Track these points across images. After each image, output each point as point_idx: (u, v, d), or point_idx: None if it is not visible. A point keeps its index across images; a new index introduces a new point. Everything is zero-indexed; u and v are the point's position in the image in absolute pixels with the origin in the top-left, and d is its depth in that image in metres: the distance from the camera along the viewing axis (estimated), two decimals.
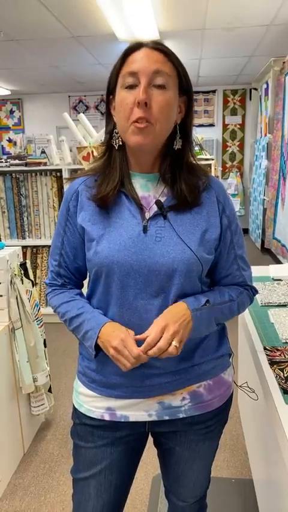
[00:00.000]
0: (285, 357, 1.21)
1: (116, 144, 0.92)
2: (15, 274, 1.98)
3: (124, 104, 0.85)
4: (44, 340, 2.18)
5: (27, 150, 5.57)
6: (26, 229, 3.72)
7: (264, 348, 1.27)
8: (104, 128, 0.97)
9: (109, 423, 0.97)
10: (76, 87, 6.77)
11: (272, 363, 1.18)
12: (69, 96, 7.40)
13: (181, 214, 0.91)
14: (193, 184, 0.92)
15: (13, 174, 3.61)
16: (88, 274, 0.99)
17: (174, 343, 0.82)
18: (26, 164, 3.58)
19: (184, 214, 0.91)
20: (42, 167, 3.56)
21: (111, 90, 0.91)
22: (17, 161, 3.65)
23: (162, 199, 0.91)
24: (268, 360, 1.20)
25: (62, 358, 3.02)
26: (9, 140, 7.69)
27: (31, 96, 7.45)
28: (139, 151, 0.90)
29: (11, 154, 5.86)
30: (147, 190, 0.93)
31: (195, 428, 1.00)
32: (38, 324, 2.11)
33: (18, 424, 2.03)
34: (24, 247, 3.62)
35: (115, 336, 0.85)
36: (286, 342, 1.31)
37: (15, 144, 7.48)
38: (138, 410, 0.95)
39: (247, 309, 1.58)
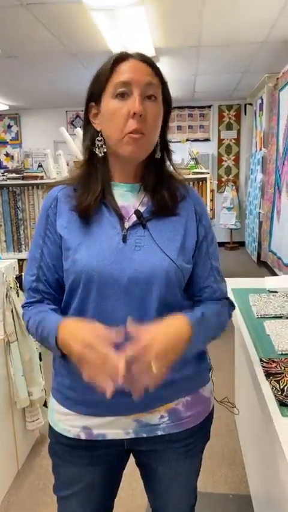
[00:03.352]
0: (281, 368, 1.20)
1: (101, 153, 0.91)
2: (10, 287, 1.97)
3: (117, 115, 0.85)
4: (40, 353, 2.17)
5: (25, 164, 5.60)
6: (23, 242, 3.73)
7: (260, 360, 1.26)
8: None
9: (86, 442, 0.94)
10: (73, 103, 6.85)
11: (268, 375, 1.17)
12: (66, 111, 7.49)
13: (160, 224, 0.91)
14: (173, 193, 0.93)
15: (10, 188, 3.63)
16: (65, 288, 0.93)
17: (153, 368, 0.75)
18: (23, 178, 3.61)
19: (164, 223, 0.91)
20: (39, 181, 3.58)
21: (94, 98, 0.90)
22: (14, 175, 3.68)
23: (142, 209, 0.91)
24: (264, 372, 1.19)
25: None
26: (7, 154, 7.74)
27: (29, 111, 7.53)
28: (130, 161, 0.90)
29: (8, 168, 5.89)
30: (127, 200, 0.93)
31: (175, 447, 0.97)
32: (33, 338, 2.09)
33: (13, 439, 2.00)
34: (20, 260, 3.60)
35: (77, 340, 0.77)
36: (282, 354, 1.30)
37: (12, 158, 7.53)
38: (115, 429, 0.92)
39: (243, 321, 1.58)
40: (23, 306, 0.97)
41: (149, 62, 0.88)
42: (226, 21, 3.63)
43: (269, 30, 3.85)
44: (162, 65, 4.75)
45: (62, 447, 0.97)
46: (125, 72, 0.85)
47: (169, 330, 0.81)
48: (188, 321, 0.84)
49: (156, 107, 0.87)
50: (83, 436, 0.94)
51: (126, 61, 0.86)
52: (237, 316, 1.62)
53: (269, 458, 1.24)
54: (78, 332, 0.79)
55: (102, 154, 0.91)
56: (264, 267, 5.66)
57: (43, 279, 0.93)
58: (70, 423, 0.94)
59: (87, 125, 0.94)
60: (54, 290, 0.94)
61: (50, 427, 1.00)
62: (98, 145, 0.91)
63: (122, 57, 0.87)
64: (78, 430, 0.94)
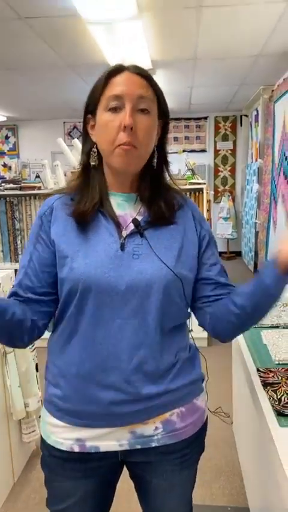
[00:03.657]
0: (278, 378, 1.20)
1: (94, 162, 0.92)
2: None
3: (109, 127, 0.86)
4: (36, 364, 2.15)
5: (22, 175, 5.64)
6: (20, 253, 3.73)
7: (258, 370, 1.26)
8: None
9: (79, 455, 0.92)
10: (71, 114, 6.91)
11: (265, 385, 1.17)
12: (64, 122, 7.55)
13: (158, 232, 0.91)
14: (170, 203, 0.94)
15: (7, 198, 3.64)
16: (60, 296, 0.92)
17: None
18: (21, 188, 3.62)
19: (161, 231, 0.92)
20: (36, 191, 3.59)
21: (90, 110, 0.92)
22: (11, 185, 3.69)
23: (139, 218, 0.92)
24: (261, 382, 1.19)
25: None
26: (4, 165, 7.77)
27: (26, 122, 7.58)
28: (122, 173, 0.91)
29: (5, 178, 5.92)
30: (124, 209, 0.93)
31: (170, 458, 0.96)
32: (29, 348, 2.09)
33: (9, 452, 1.97)
34: (17, 270, 3.61)
35: None
36: (279, 363, 1.31)
37: (10, 168, 7.56)
38: (108, 440, 0.91)
39: None
40: None
41: (143, 74, 0.88)
42: (221, 35, 3.68)
43: (264, 44, 3.91)
44: (159, 78, 4.82)
45: (55, 460, 0.96)
46: (118, 85, 0.86)
47: None
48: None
49: (148, 120, 0.87)
50: (76, 449, 0.92)
51: (121, 74, 0.87)
52: None
53: (267, 469, 1.23)
54: None
55: (95, 163, 0.92)
56: None
57: (25, 285, 0.91)
58: (63, 435, 0.93)
59: (85, 137, 0.95)
60: (37, 296, 0.92)
61: (43, 440, 0.98)
62: (92, 156, 0.92)
63: (116, 70, 0.88)
64: (71, 443, 0.92)
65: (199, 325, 1.02)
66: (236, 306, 0.90)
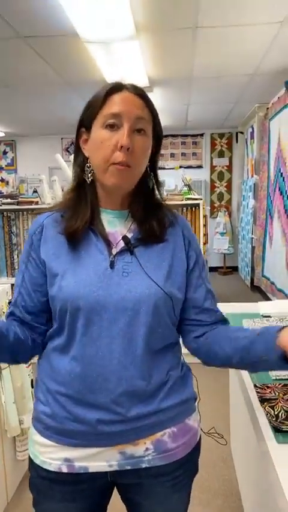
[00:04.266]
0: (275, 394, 1.20)
1: (88, 179, 0.92)
2: (3, 312, 1.96)
3: (105, 145, 0.85)
4: (31, 380, 2.13)
5: (20, 190, 5.66)
6: (16, 267, 3.72)
7: (255, 386, 1.25)
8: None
9: (68, 476, 0.90)
10: (69, 130, 6.95)
11: (262, 401, 1.16)
12: (61, 138, 7.63)
13: (148, 250, 0.91)
14: (161, 220, 0.94)
15: (4, 213, 3.66)
16: (53, 315, 0.92)
17: None
18: (18, 203, 3.63)
19: (151, 249, 0.91)
20: (33, 206, 3.61)
21: (85, 124, 0.91)
22: (9, 200, 3.71)
23: (129, 235, 0.91)
24: (258, 398, 1.18)
25: None
26: (2, 180, 7.82)
27: (25, 137, 7.66)
28: (114, 191, 0.91)
29: (3, 193, 5.94)
30: (114, 226, 0.93)
31: (162, 480, 0.93)
32: (25, 364, 2.07)
33: (2, 470, 1.94)
34: (13, 285, 3.60)
35: None
36: (276, 379, 1.30)
37: (7, 183, 7.59)
38: (98, 461, 0.89)
39: None
40: None
41: (141, 95, 0.88)
42: (217, 54, 3.77)
43: (259, 63, 4.00)
44: (156, 95, 4.90)
45: (43, 481, 0.93)
46: (116, 103, 0.86)
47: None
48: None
49: (144, 141, 0.88)
50: (64, 469, 0.90)
51: (119, 92, 0.87)
52: None
53: (265, 487, 1.22)
54: None
55: (90, 179, 0.92)
56: (258, 291, 5.67)
57: (20, 304, 0.93)
58: (51, 455, 0.91)
59: (77, 151, 0.95)
60: (32, 316, 0.93)
61: (31, 460, 0.96)
62: (87, 171, 0.92)
63: (116, 88, 0.87)
64: (60, 463, 0.90)
65: (183, 343, 1.01)
66: (224, 353, 0.92)
